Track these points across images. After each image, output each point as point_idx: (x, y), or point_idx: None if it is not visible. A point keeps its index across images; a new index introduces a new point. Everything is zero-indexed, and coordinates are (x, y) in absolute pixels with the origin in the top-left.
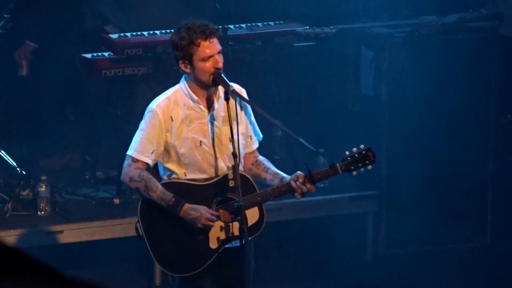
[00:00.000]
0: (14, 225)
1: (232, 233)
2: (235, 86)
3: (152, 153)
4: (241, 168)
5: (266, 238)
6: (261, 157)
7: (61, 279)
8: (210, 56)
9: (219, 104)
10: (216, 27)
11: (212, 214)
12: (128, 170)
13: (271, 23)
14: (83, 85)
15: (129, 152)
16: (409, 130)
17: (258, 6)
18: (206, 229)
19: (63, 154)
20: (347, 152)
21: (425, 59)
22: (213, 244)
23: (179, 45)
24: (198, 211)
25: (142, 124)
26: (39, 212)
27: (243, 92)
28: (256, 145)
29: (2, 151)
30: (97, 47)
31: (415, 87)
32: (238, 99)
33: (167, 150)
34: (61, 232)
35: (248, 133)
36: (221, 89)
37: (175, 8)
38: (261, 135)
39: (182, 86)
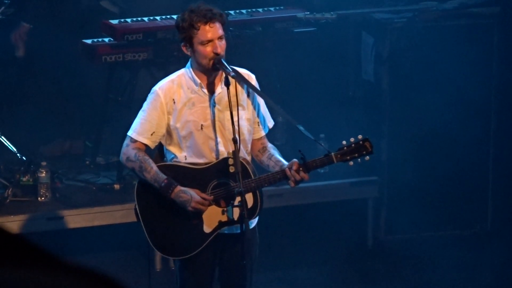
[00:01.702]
0: (14, 211)
1: (227, 218)
2: (243, 72)
3: (152, 134)
4: (244, 153)
5: (266, 224)
6: (269, 144)
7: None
8: (210, 41)
9: (223, 89)
10: (221, 12)
11: (204, 198)
12: (126, 150)
13: (272, 8)
14: (83, 70)
15: (129, 132)
16: (410, 116)
17: None
18: (199, 213)
19: (63, 140)
20: (344, 142)
21: (426, 44)
22: (207, 228)
23: (181, 27)
24: (188, 194)
25: (144, 106)
26: (39, 198)
27: (251, 77)
28: (263, 132)
29: (2, 137)
30: (96, 32)
31: (416, 72)
32: (245, 85)
33: (169, 132)
34: (62, 218)
35: (255, 118)
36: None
37: None
38: (271, 123)
39: (186, 70)
